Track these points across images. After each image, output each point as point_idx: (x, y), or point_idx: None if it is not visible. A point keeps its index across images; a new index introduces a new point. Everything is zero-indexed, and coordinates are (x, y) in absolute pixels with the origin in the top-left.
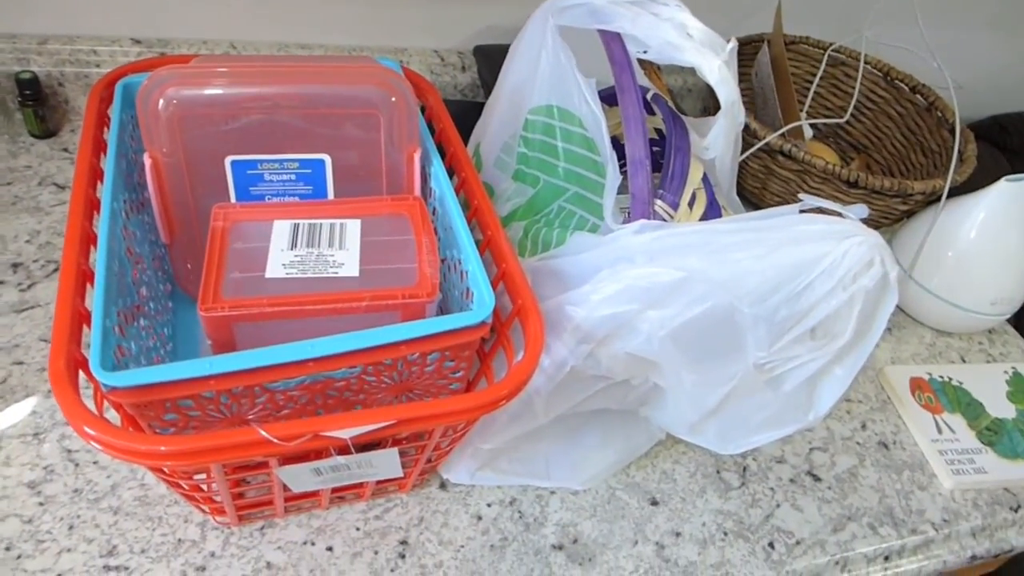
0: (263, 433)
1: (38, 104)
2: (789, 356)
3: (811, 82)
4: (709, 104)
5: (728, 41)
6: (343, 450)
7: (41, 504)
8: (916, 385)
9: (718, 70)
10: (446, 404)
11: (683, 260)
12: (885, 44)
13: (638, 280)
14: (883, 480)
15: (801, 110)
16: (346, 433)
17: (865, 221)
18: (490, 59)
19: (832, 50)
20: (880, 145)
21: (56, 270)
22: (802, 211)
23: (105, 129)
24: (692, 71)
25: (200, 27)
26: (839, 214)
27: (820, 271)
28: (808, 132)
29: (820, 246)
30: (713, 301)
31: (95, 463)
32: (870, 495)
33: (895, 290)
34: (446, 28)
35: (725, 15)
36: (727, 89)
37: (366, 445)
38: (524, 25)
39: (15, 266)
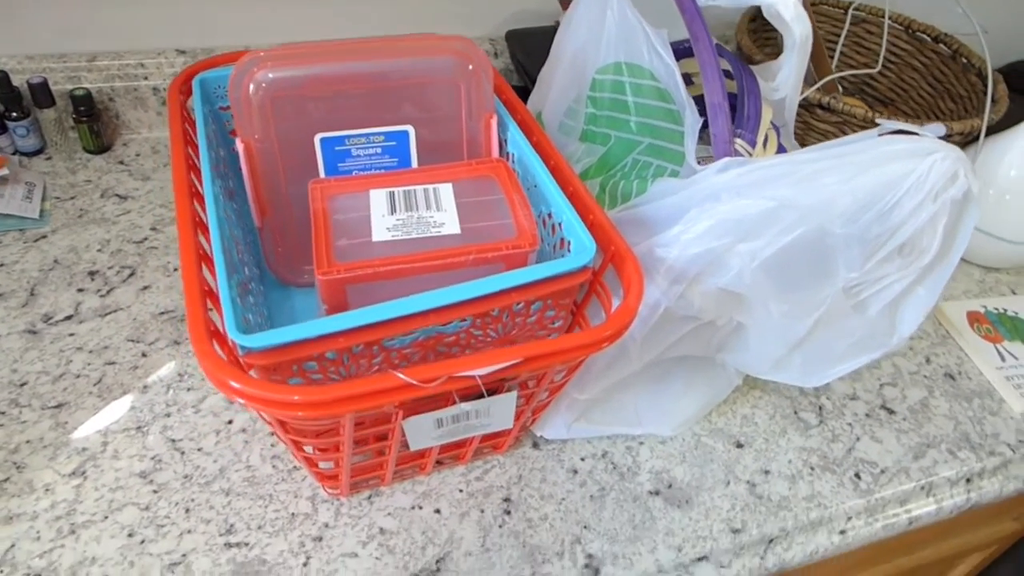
0: (402, 377)
1: (92, 120)
2: (878, 276)
3: (835, 42)
4: None
5: None
6: (467, 395)
7: (155, 491)
8: (973, 318)
9: (793, 5)
10: (569, 340)
11: (771, 191)
12: None
13: (728, 214)
14: (955, 408)
15: None
16: (479, 372)
17: None
18: (523, 43)
19: (854, 9)
20: (907, 97)
21: (132, 275)
22: (880, 135)
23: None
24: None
25: (239, 33)
26: (917, 134)
27: (908, 187)
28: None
29: (905, 163)
30: (804, 227)
31: (199, 450)
32: (944, 423)
33: (977, 203)
34: (476, 15)
35: None
36: (803, 24)
37: (482, 395)
38: None
39: (92, 274)
